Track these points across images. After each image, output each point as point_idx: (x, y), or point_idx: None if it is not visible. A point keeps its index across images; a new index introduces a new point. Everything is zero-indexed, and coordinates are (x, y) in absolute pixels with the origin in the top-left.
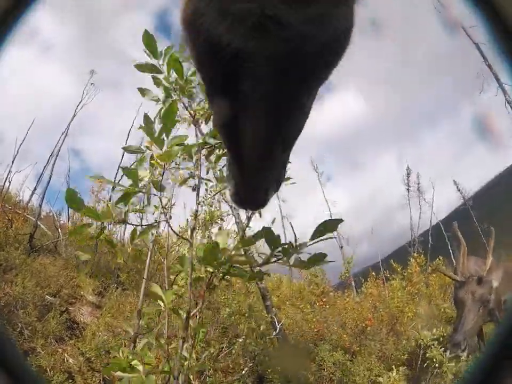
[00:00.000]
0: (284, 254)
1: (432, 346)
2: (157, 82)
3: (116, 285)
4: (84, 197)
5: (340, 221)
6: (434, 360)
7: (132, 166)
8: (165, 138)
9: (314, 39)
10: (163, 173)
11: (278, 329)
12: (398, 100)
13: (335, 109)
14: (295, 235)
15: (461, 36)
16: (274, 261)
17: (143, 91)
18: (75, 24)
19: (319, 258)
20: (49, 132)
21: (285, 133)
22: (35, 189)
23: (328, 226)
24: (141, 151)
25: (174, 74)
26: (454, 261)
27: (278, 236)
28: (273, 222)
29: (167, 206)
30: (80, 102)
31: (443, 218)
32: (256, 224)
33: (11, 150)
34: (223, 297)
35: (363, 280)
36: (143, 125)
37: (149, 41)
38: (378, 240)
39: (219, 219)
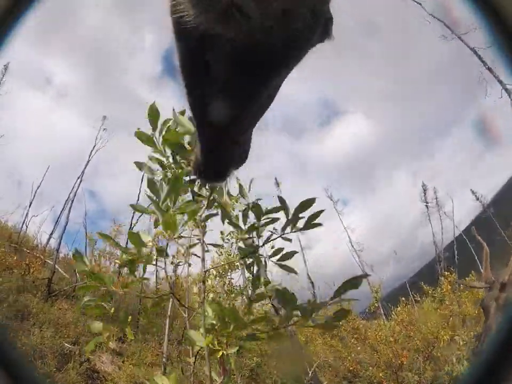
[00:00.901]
0: (303, 315)
1: None
2: (153, 159)
3: (136, 330)
4: (100, 241)
5: (364, 276)
6: None
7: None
8: (170, 205)
9: (275, 34)
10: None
11: (310, 374)
12: (405, 116)
13: (344, 134)
14: (314, 293)
15: (456, 43)
16: (292, 324)
17: (139, 165)
18: (87, 69)
19: (343, 315)
20: (66, 176)
21: (247, 114)
22: (52, 232)
23: (352, 284)
24: (148, 211)
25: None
26: (482, 270)
27: (293, 294)
28: (291, 257)
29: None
30: (93, 147)
31: (464, 228)
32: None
33: (28, 194)
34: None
35: (391, 305)
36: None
37: (152, 114)
38: (402, 260)
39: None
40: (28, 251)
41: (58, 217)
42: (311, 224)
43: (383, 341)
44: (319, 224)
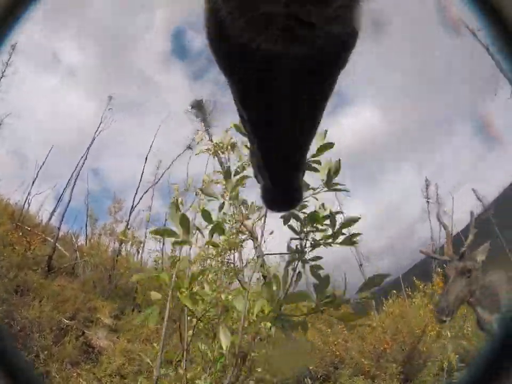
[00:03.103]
0: (332, 304)
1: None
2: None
3: (132, 307)
4: (102, 217)
5: (386, 276)
6: None
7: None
8: None
9: (336, 38)
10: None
11: None
12: (414, 110)
13: (351, 123)
14: (345, 285)
15: (469, 39)
16: (321, 310)
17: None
18: (96, 48)
19: (363, 312)
20: (70, 155)
21: (312, 131)
22: (54, 210)
23: (375, 281)
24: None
25: None
26: None
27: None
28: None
29: None
30: (98, 127)
31: (463, 229)
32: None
33: (31, 173)
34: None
35: (383, 298)
36: None
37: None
38: (398, 254)
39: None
40: (29, 228)
41: (61, 196)
42: (350, 241)
43: (371, 331)
44: (356, 243)
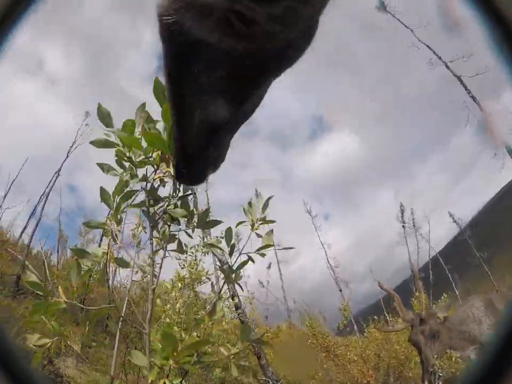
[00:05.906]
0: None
1: None
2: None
3: (104, 335)
4: (73, 238)
5: None
6: None
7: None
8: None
9: (278, 38)
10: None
11: None
12: (391, 137)
13: (331, 150)
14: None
15: (442, 70)
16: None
17: (102, 166)
18: (81, 59)
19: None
20: (47, 168)
21: (234, 121)
22: (25, 226)
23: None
24: (101, 226)
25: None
26: (457, 292)
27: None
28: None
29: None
30: (74, 143)
31: (441, 249)
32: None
33: (3, 185)
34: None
35: (364, 324)
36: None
37: (103, 116)
38: (379, 278)
39: (205, 277)
40: None
41: (33, 212)
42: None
43: (352, 361)
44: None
